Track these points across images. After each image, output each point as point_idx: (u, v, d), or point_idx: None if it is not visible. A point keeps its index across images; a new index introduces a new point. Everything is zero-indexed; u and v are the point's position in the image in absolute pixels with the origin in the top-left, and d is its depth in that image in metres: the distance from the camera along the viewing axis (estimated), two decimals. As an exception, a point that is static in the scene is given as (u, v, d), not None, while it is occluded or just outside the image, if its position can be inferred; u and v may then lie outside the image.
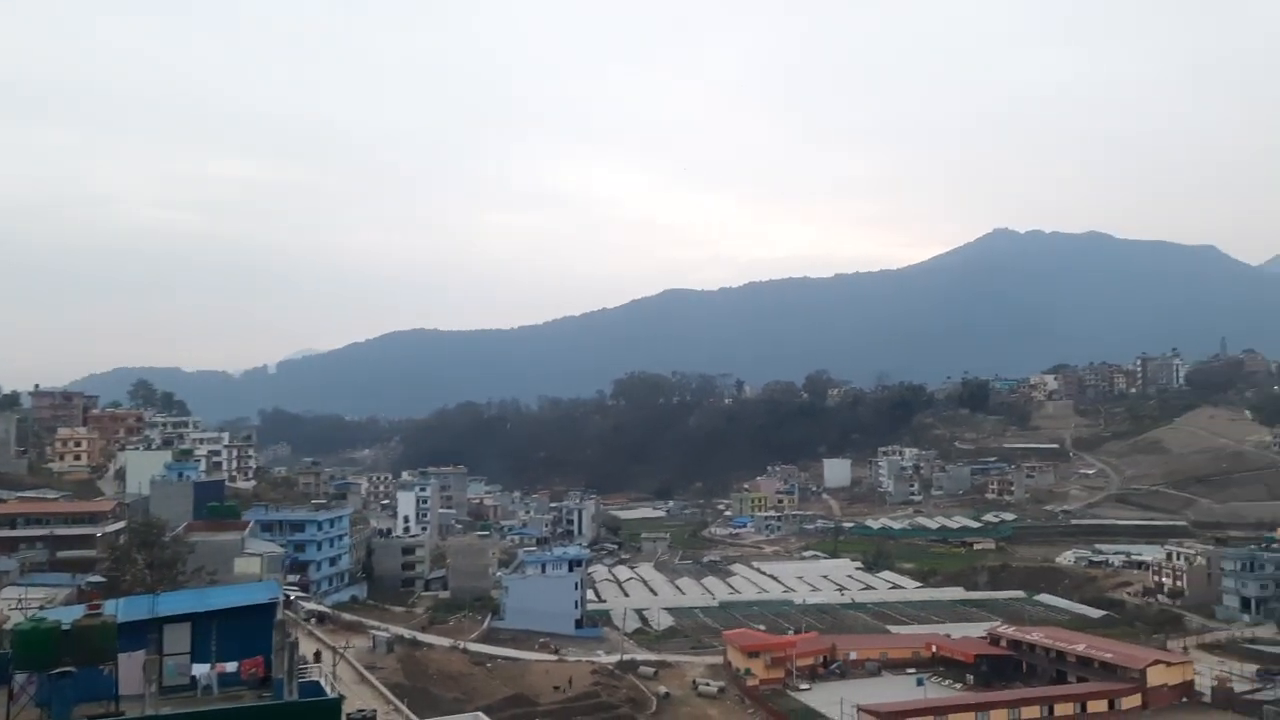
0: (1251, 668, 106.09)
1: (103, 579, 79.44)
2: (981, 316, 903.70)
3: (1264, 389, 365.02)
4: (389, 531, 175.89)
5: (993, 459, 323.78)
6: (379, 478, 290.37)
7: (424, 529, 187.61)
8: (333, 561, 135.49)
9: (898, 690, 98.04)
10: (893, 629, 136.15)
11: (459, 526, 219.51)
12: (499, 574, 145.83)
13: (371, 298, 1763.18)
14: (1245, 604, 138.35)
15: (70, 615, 29.31)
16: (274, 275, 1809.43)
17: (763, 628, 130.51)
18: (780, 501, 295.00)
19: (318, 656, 65.54)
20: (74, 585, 79.73)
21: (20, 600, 70.45)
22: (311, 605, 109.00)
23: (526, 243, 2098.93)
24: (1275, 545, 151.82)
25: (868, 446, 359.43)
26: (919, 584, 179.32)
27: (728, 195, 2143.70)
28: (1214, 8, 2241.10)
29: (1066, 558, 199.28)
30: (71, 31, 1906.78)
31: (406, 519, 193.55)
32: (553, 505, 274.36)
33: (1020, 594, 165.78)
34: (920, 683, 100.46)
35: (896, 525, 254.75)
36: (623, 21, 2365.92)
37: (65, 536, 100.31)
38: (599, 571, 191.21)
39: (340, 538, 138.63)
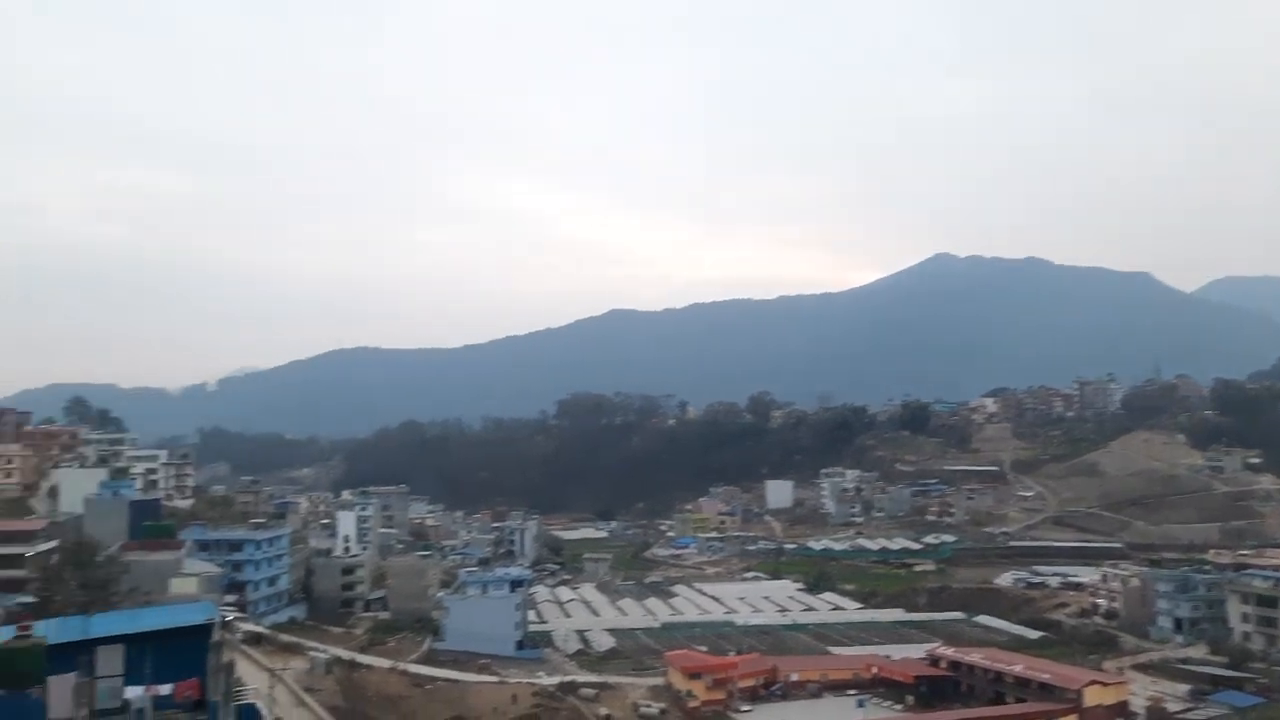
0: (1184, 688, 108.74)
1: (33, 600, 77.20)
2: (923, 339, 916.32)
3: (1196, 413, 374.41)
4: (329, 551, 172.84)
5: (933, 481, 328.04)
6: (319, 497, 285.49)
7: (364, 549, 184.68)
8: (271, 582, 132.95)
9: (838, 711, 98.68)
10: (834, 650, 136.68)
11: (400, 547, 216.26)
12: (440, 595, 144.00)
13: (314, 315, 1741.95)
14: (1178, 625, 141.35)
15: (-2, 637, 28.46)
16: (214, 291, 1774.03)
17: (704, 649, 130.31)
18: (722, 523, 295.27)
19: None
20: (2, 607, 77.25)
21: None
22: (249, 626, 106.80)
23: (468, 261, 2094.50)
24: (1207, 567, 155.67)
25: (810, 468, 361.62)
26: (860, 605, 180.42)
27: (668, 217, 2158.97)
28: (1139, 37, 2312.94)
29: (1005, 579, 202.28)
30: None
31: (347, 539, 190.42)
32: (495, 526, 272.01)
33: (959, 615, 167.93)
34: (861, 704, 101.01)
35: (838, 546, 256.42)
36: (559, 46, 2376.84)
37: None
38: (541, 592, 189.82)
39: (279, 557, 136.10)
